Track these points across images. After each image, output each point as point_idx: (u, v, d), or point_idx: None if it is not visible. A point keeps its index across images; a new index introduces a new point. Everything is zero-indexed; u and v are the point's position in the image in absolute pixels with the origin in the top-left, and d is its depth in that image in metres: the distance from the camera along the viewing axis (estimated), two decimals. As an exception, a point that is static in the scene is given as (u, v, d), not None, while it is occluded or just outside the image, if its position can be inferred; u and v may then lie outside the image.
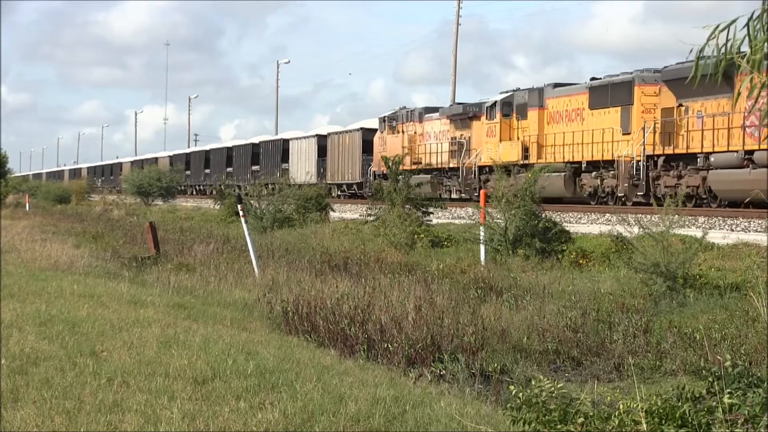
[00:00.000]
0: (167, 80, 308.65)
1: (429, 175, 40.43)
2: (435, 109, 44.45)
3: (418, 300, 11.98)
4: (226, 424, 6.99)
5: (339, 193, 52.43)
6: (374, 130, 49.05)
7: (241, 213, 19.86)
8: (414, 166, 41.92)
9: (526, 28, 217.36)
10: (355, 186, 50.61)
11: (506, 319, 12.07)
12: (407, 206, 25.85)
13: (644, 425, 5.51)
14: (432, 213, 27.13)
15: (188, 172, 79.60)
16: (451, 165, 41.18)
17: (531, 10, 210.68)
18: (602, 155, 32.31)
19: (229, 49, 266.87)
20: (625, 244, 16.94)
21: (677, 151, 29.20)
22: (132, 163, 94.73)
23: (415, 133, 44.88)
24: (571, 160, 33.91)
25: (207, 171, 75.67)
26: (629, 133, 31.04)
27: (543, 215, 21.10)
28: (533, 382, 6.08)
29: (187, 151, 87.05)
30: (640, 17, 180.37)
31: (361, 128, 51.51)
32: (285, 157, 60.67)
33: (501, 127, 37.62)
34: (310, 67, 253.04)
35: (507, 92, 38.12)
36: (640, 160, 30.32)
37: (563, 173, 33.62)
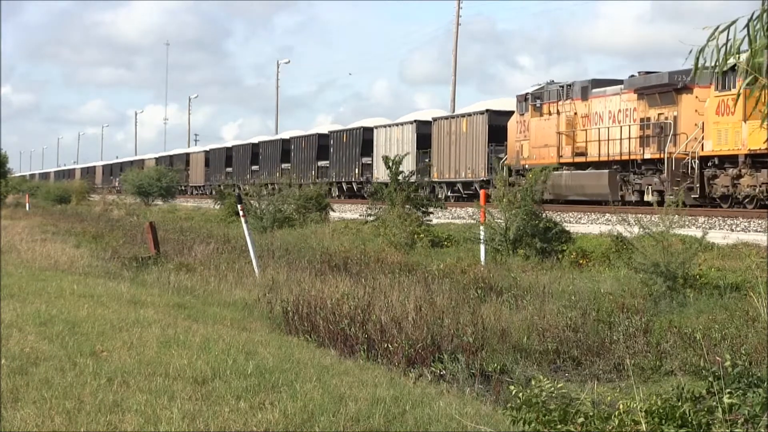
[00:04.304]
0: (167, 80, 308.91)
1: (606, 170, 31.71)
2: (611, 82, 33.25)
3: (418, 300, 11.98)
4: (226, 424, 6.99)
5: (450, 194, 42.26)
6: (505, 113, 39.38)
7: (241, 213, 19.87)
8: (577, 159, 33.12)
9: (532, 28, 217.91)
10: (476, 185, 39.29)
11: (506, 319, 12.07)
12: (407, 206, 25.84)
13: (644, 425, 5.51)
14: (432, 213, 27.12)
15: (229, 170, 70.62)
16: (647, 156, 30.37)
17: (536, 10, 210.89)
18: None
19: (236, 50, 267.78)
20: (625, 244, 16.94)
21: None
22: (156, 160, 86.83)
23: (576, 114, 33.84)
24: None
25: (254, 168, 64.73)
26: None
27: (543, 215, 21.10)
28: (533, 382, 6.08)
29: (228, 145, 75.94)
30: (647, 16, 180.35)
31: (487, 110, 41.03)
32: (366, 149, 50.18)
33: (745, 101, 24.41)
34: (315, 67, 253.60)
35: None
36: None
37: None
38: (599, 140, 32.37)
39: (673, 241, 15.26)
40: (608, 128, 32.06)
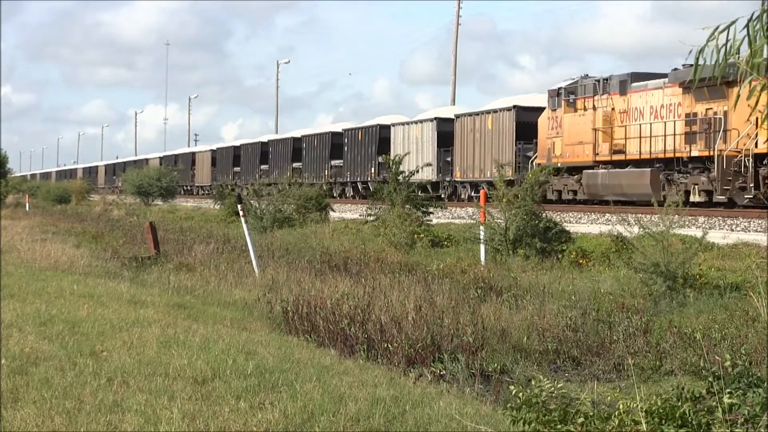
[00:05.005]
0: (167, 80, 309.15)
1: (648, 169, 29.76)
2: (653, 75, 31.21)
3: (418, 300, 11.99)
4: (226, 424, 6.99)
5: (474, 194, 39.87)
6: (533, 109, 37.52)
7: (241, 213, 19.88)
8: (616, 157, 31.31)
9: (533, 28, 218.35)
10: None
11: (506, 319, 12.07)
12: (407, 206, 25.85)
13: (644, 425, 5.51)
14: (432, 213, 27.12)
15: (237, 169, 68.66)
16: (694, 153, 28.48)
17: (537, 10, 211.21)
18: None
19: (237, 50, 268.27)
20: (625, 244, 16.94)
21: None
22: (160, 159, 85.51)
23: (614, 109, 31.97)
24: None
25: (264, 167, 62.41)
26: None
27: (543, 215, 21.11)
28: (533, 382, 6.08)
29: (236, 144, 73.81)
30: (647, 16, 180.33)
31: (514, 106, 38.83)
32: (383, 148, 47.22)
33: None
34: (315, 67, 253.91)
35: None
36: None
37: None
38: (640, 137, 30.44)
39: (673, 241, 15.27)
40: (650, 124, 30.17)
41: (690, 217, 22.14)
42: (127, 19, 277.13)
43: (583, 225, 25.61)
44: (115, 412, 7.26)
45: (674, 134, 29.12)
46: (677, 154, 29.02)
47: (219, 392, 7.90)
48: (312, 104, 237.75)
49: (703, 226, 21.72)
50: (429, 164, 40.09)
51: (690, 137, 28.52)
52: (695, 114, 28.48)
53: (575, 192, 33.19)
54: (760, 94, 5.79)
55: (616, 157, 31.34)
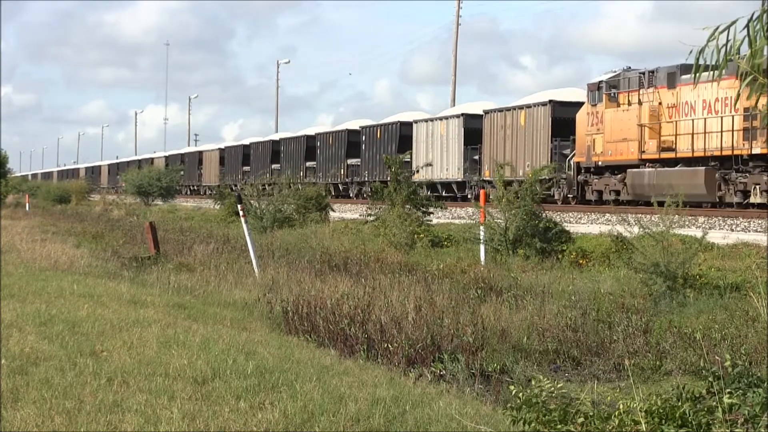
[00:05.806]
0: (167, 80, 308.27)
1: (702, 167, 27.46)
2: (706, 67, 25.11)
3: (418, 300, 11.99)
4: (226, 424, 6.99)
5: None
6: (570, 105, 35.42)
7: (241, 213, 19.88)
8: (665, 155, 29.02)
9: (534, 28, 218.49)
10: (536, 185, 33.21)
11: (506, 319, 12.07)
12: (407, 206, 25.85)
13: (644, 425, 5.51)
14: (431, 213, 27.12)
15: (246, 168, 65.64)
16: (755, 150, 25.93)
17: (539, 10, 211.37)
18: None
19: (238, 50, 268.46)
20: (625, 244, 16.95)
21: None
22: (166, 159, 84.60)
23: (661, 104, 29.48)
24: None
25: (275, 166, 59.99)
26: None
27: (543, 215, 21.12)
28: (533, 382, 6.08)
29: (245, 142, 70.62)
30: (648, 16, 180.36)
31: (550, 101, 36.56)
32: (403, 146, 44.25)
33: None
34: (317, 66, 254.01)
35: None
36: None
37: None
38: (692, 133, 27.87)
39: (673, 241, 15.27)
40: (704, 119, 27.57)
41: (690, 217, 22.13)
42: (128, 20, 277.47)
43: (583, 225, 25.61)
44: (115, 412, 7.25)
45: (732, 130, 26.56)
46: (735, 152, 26.53)
47: (219, 392, 7.90)
48: (313, 104, 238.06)
49: (703, 226, 21.71)
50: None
51: (750, 133, 25.98)
52: (753, 109, 26.39)
53: (617, 192, 31.12)
54: (759, 94, 5.80)
55: (664, 155, 29.06)
